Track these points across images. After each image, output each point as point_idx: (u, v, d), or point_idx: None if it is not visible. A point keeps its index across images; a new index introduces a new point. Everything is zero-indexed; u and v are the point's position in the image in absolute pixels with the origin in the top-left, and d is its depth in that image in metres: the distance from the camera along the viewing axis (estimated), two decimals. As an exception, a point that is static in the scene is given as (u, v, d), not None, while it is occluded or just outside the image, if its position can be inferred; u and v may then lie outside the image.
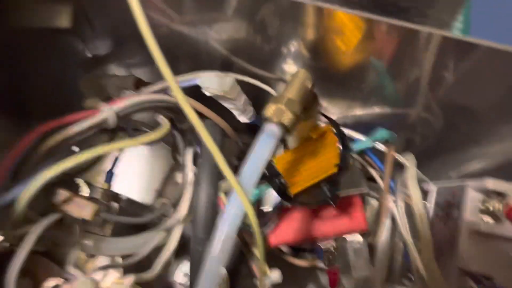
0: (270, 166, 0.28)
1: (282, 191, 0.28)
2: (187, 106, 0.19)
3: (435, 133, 0.40)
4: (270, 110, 0.23)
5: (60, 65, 0.35)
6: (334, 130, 0.28)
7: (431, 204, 0.36)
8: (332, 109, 0.39)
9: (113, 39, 0.33)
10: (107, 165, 0.46)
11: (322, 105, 0.40)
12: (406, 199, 0.34)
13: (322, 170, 0.28)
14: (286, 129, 0.22)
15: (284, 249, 0.47)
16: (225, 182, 0.41)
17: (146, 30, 0.19)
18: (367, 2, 0.29)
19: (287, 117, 0.22)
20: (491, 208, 0.29)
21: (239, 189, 0.21)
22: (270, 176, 0.29)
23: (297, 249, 0.47)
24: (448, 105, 0.35)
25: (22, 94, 0.38)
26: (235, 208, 0.21)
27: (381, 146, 0.38)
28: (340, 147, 0.28)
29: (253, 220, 0.21)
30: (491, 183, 0.29)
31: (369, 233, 0.41)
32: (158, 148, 0.46)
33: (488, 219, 0.29)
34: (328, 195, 0.29)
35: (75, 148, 0.47)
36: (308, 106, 0.26)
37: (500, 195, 0.29)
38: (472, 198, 0.30)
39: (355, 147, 0.30)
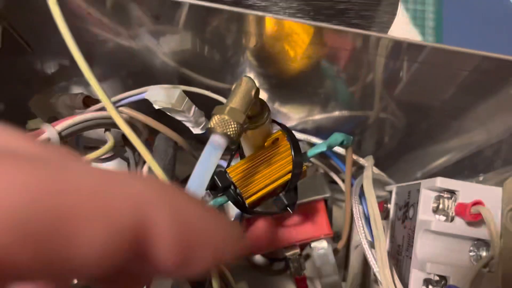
0: (224, 177, 0.28)
1: (238, 201, 0.28)
2: (120, 120, 0.19)
3: (398, 134, 0.40)
4: (213, 120, 0.23)
5: (9, 87, 0.35)
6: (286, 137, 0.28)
7: (391, 205, 0.36)
8: (292, 116, 0.39)
9: (58, 58, 0.33)
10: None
11: (283, 112, 0.40)
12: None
13: (276, 177, 0.28)
14: (231, 139, 0.23)
15: (259, 259, 0.46)
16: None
17: (69, 40, 0.18)
18: (307, 7, 0.29)
19: (231, 127, 0.22)
20: (442, 206, 0.29)
21: None
22: (225, 187, 0.28)
23: (272, 259, 0.47)
24: (404, 105, 0.35)
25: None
26: None
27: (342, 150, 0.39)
28: (292, 152, 0.28)
29: None
30: (441, 181, 0.28)
31: (339, 239, 0.41)
32: (120, 165, 0.46)
33: (440, 217, 0.29)
34: (285, 202, 0.29)
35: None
36: (255, 114, 0.26)
37: (451, 193, 0.29)
38: (425, 197, 0.30)
39: (309, 152, 0.30)
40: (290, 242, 0.38)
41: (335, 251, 0.40)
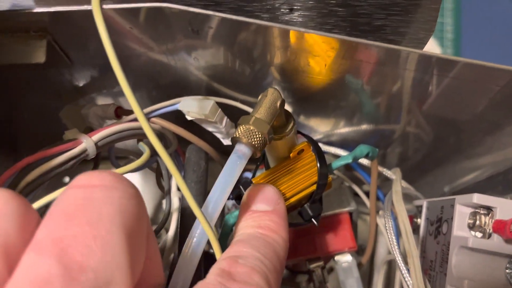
0: (249, 187, 0.28)
1: None
2: (150, 131, 0.19)
3: (425, 148, 0.40)
4: (238, 130, 0.23)
5: (43, 97, 0.35)
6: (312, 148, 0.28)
7: (422, 220, 0.35)
8: (318, 129, 0.39)
9: (94, 70, 0.33)
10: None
11: (308, 125, 0.40)
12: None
13: (301, 188, 0.28)
14: (256, 149, 0.23)
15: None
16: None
17: (112, 55, 0.19)
18: (344, 23, 0.29)
19: (256, 137, 0.23)
20: (478, 223, 0.28)
21: (201, 216, 0.21)
22: None
23: (295, 272, 0.46)
24: (433, 119, 0.35)
25: (10, 128, 0.38)
26: (197, 235, 0.21)
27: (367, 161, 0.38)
28: (318, 164, 0.28)
29: (214, 245, 0.22)
30: (478, 198, 0.28)
31: (364, 252, 0.41)
32: (149, 175, 0.46)
33: (477, 234, 0.29)
34: (310, 214, 0.29)
35: (66, 179, 0.48)
36: (280, 124, 0.26)
37: (487, 209, 0.29)
38: (460, 213, 0.29)
39: (334, 164, 0.30)
40: (313, 255, 0.37)
41: (359, 265, 0.40)
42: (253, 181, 0.28)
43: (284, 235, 0.23)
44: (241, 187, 0.27)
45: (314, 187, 0.27)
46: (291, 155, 0.28)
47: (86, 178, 0.16)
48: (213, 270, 0.19)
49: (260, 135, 0.23)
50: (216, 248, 0.22)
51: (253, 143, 0.23)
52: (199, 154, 0.33)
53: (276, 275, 0.20)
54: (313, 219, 0.28)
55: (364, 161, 0.39)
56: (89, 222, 0.14)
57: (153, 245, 0.18)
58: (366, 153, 0.29)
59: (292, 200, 0.27)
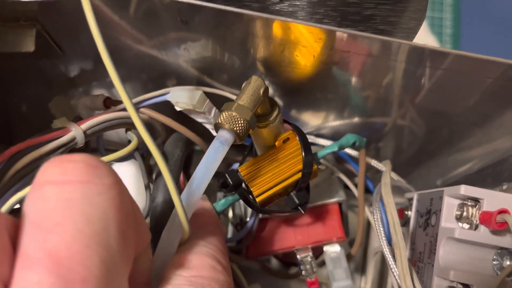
0: (235, 175, 0.28)
1: (248, 199, 0.28)
2: (137, 120, 0.19)
3: (417, 141, 0.40)
4: (221, 116, 0.24)
5: (35, 88, 0.35)
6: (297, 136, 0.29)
7: (412, 212, 0.36)
8: (309, 122, 0.39)
9: (85, 61, 0.33)
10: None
11: (299, 118, 0.40)
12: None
13: (287, 176, 0.28)
14: (238, 135, 0.23)
15: (274, 264, 0.46)
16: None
17: (100, 43, 0.19)
18: (334, 13, 0.29)
19: (238, 124, 0.23)
20: (466, 214, 0.28)
21: (178, 204, 0.21)
22: (236, 184, 0.29)
23: (287, 263, 0.47)
24: (425, 112, 0.35)
25: (5, 118, 0.38)
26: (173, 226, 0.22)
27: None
28: (303, 152, 0.28)
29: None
30: (465, 189, 0.28)
31: (353, 243, 0.41)
32: (134, 168, 0.46)
33: (464, 225, 0.29)
34: (296, 202, 0.29)
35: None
36: (264, 112, 0.26)
37: (475, 201, 0.29)
38: (448, 205, 0.29)
39: (320, 153, 0.30)
40: (302, 244, 0.38)
41: (349, 256, 0.40)
42: (239, 169, 0.28)
43: (212, 212, 0.26)
44: (227, 175, 0.27)
45: (299, 175, 0.28)
46: (276, 143, 0.28)
47: (59, 171, 0.15)
48: (168, 268, 0.20)
49: (242, 122, 0.23)
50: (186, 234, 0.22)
51: (235, 129, 0.23)
52: (176, 143, 0.32)
53: (222, 253, 0.22)
54: (299, 207, 0.28)
55: (356, 154, 0.39)
56: (77, 227, 0.14)
57: (138, 214, 0.18)
58: (353, 142, 0.29)
59: (277, 188, 0.27)
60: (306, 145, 0.28)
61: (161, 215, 0.28)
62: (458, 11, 0.73)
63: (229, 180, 0.27)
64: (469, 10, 0.73)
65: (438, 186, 0.42)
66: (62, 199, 0.14)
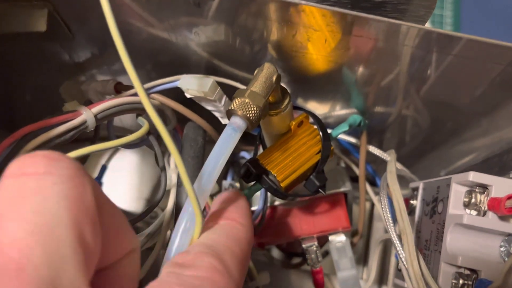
0: (257, 164, 0.28)
1: (273, 188, 0.28)
2: (149, 106, 0.19)
3: (422, 131, 0.40)
4: (234, 103, 0.24)
5: (42, 72, 0.35)
6: (312, 120, 0.29)
7: (418, 201, 0.36)
8: (315, 110, 0.40)
9: (95, 45, 0.33)
10: (93, 174, 0.46)
11: (304, 106, 0.40)
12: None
13: (306, 158, 0.28)
14: (251, 122, 0.23)
15: (276, 254, 0.47)
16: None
17: (113, 26, 0.18)
18: (345, 0, 0.29)
19: (251, 110, 0.23)
20: (474, 201, 0.29)
21: (192, 195, 0.20)
22: (258, 174, 0.28)
23: (290, 254, 0.47)
24: (431, 101, 0.35)
25: (7, 101, 0.38)
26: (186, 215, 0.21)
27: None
28: (320, 133, 0.28)
29: (197, 227, 0.21)
30: (474, 176, 0.28)
31: (356, 233, 0.41)
32: (147, 155, 0.46)
33: (472, 211, 0.29)
34: (317, 184, 0.29)
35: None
36: (276, 100, 0.26)
37: (483, 187, 0.29)
38: (455, 192, 0.30)
39: (334, 132, 0.31)
40: (307, 234, 0.38)
41: (352, 244, 0.40)
42: (258, 158, 0.28)
43: (242, 220, 0.23)
44: (249, 164, 0.27)
45: (318, 156, 0.28)
46: (291, 127, 0.28)
47: (18, 165, 0.15)
48: (165, 266, 0.19)
49: (255, 108, 0.23)
50: (198, 231, 0.21)
51: (248, 115, 0.23)
52: (197, 131, 0.33)
53: (232, 256, 0.20)
54: (320, 189, 0.28)
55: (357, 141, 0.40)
56: (23, 216, 0.14)
57: (111, 215, 0.17)
58: (359, 121, 0.30)
59: (299, 171, 0.27)
60: (323, 128, 0.28)
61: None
62: (459, 8, 0.74)
63: (252, 169, 0.27)
64: (469, 7, 0.73)
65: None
66: (15, 189, 0.14)
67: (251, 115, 0.23)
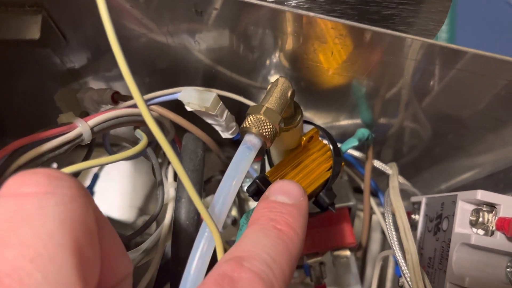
0: (266, 181, 0.27)
1: None
2: (150, 119, 0.18)
3: (423, 143, 0.39)
4: (248, 120, 0.22)
5: (35, 79, 0.34)
6: (322, 137, 0.28)
7: (420, 216, 0.35)
8: (317, 120, 0.39)
9: (90, 52, 0.32)
10: (85, 182, 0.44)
11: (308, 116, 0.39)
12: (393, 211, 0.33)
13: (316, 176, 0.27)
14: (266, 140, 0.22)
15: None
16: (210, 197, 0.40)
17: (111, 33, 0.17)
18: (352, 11, 0.28)
19: (266, 128, 0.22)
20: (482, 220, 0.28)
21: (207, 216, 0.19)
22: None
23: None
24: (434, 114, 0.35)
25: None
26: (203, 239, 0.20)
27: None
28: (331, 149, 0.27)
29: (218, 250, 0.20)
30: (482, 194, 0.28)
31: (358, 247, 0.40)
32: (140, 163, 0.45)
33: (479, 231, 0.28)
34: (327, 202, 0.28)
35: (54, 165, 0.46)
36: (288, 116, 0.25)
37: (491, 206, 0.28)
38: (462, 210, 0.29)
39: (343, 148, 0.30)
40: (312, 250, 0.37)
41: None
42: (268, 175, 0.27)
43: (301, 233, 0.20)
44: (258, 181, 0.26)
45: (328, 173, 0.27)
46: (302, 143, 0.27)
47: (17, 184, 0.14)
48: (214, 273, 0.17)
49: (271, 126, 0.22)
50: (220, 254, 0.20)
51: (264, 133, 0.22)
52: (196, 142, 0.32)
53: (283, 280, 0.18)
54: (329, 207, 0.27)
55: (360, 155, 0.39)
56: (23, 241, 0.13)
57: (110, 239, 0.17)
58: (367, 136, 0.29)
59: (309, 189, 0.26)
60: (334, 143, 0.27)
61: (186, 215, 0.27)
62: (454, 16, 0.74)
63: (262, 186, 0.25)
64: (464, 15, 0.73)
65: (443, 191, 0.42)
66: (15, 210, 0.14)
67: (266, 133, 0.22)
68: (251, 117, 0.22)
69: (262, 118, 0.22)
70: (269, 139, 0.22)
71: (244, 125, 0.22)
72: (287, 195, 0.21)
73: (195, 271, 0.19)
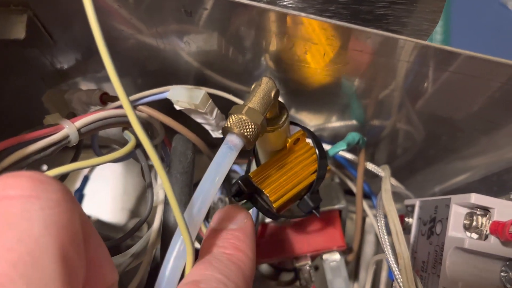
0: (248, 182, 0.26)
1: (265, 208, 0.27)
2: (135, 120, 0.17)
3: (417, 145, 0.39)
4: (230, 120, 0.22)
5: (23, 79, 0.33)
6: (308, 138, 0.27)
7: (414, 219, 0.35)
8: (308, 122, 0.38)
9: (78, 52, 0.31)
10: (75, 185, 0.44)
11: (299, 118, 0.39)
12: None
13: (301, 178, 0.27)
14: (248, 140, 0.21)
15: (266, 269, 0.45)
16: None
17: (98, 34, 0.17)
18: (345, 11, 0.28)
19: (248, 128, 0.22)
20: (475, 224, 0.28)
21: (183, 226, 0.19)
22: (250, 193, 0.27)
23: (279, 269, 0.45)
24: (427, 116, 0.34)
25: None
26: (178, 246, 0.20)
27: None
28: (317, 152, 0.27)
29: (188, 262, 0.20)
30: (476, 198, 0.27)
31: (351, 251, 0.40)
32: (131, 165, 0.45)
33: (473, 235, 0.28)
34: (311, 205, 0.28)
35: (44, 167, 0.45)
36: (273, 116, 0.25)
37: (484, 210, 0.28)
38: (455, 213, 0.29)
39: (330, 151, 0.29)
40: (301, 253, 0.36)
41: (346, 263, 0.39)
42: (251, 176, 0.26)
43: (250, 254, 0.21)
44: (240, 182, 0.25)
45: (313, 176, 0.26)
46: (287, 145, 0.27)
47: (1, 187, 0.14)
48: None
49: (253, 126, 0.22)
50: (189, 264, 0.20)
51: (245, 133, 0.22)
52: (186, 144, 0.31)
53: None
54: (313, 211, 0.27)
55: (352, 157, 0.39)
56: (6, 246, 0.13)
57: (96, 246, 0.16)
58: (358, 140, 0.29)
59: (293, 191, 0.26)
60: (320, 147, 0.27)
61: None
62: (448, 17, 0.74)
63: (244, 187, 0.25)
64: (459, 16, 0.73)
65: (436, 193, 0.42)
66: None
67: (248, 133, 0.22)
68: (233, 116, 0.22)
69: (244, 118, 0.22)
70: (251, 140, 0.22)
71: (226, 125, 0.22)
72: (230, 221, 0.22)
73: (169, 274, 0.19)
